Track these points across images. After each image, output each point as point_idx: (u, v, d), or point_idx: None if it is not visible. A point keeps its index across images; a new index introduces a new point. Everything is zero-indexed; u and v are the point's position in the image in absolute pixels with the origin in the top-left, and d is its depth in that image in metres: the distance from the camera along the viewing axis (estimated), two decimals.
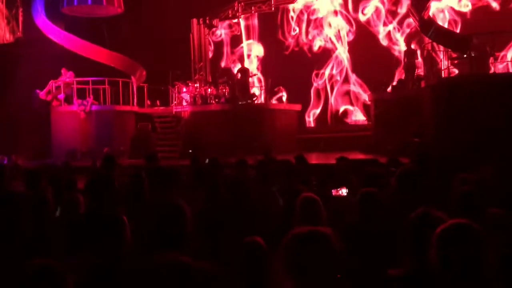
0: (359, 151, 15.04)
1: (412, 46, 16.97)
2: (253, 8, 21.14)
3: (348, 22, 19.94)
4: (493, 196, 4.53)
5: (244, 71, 18.35)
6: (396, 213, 3.72)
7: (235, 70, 20.00)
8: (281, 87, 19.16)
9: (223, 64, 21.86)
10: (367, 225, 3.86)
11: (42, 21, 18.00)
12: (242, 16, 21.50)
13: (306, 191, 4.33)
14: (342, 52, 20.05)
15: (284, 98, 19.29)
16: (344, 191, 5.14)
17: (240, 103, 17.51)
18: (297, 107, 18.94)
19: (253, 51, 21.67)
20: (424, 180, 4.42)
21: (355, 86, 19.87)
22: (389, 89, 16.56)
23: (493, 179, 5.45)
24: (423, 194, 4.19)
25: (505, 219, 3.67)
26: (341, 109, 20.09)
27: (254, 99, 18.10)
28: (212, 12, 21.61)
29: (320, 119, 20.32)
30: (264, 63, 21.33)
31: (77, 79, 17.45)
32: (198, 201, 4.96)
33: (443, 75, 14.68)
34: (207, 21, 21.90)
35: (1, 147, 16.72)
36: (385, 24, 19.34)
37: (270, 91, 18.93)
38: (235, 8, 21.41)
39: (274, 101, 19.14)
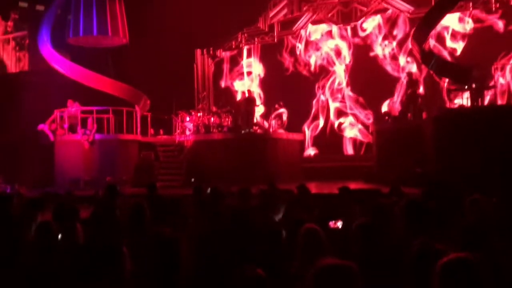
0: (362, 180, 15.07)
1: (414, 76, 17.17)
2: (256, 39, 21.40)
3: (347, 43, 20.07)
4: (497, 225, 4.53)
5: (249, 100, 18.47)
6: (402, 243, 3.72)
7: (239, 96, 20.16)
8: (281, 103, 19.25)
9: (223, 84, 21.96)
10: (369, 256, 3.86)
11: (48, 51, 18.24)
12: (245, 47, 21.74)
13: (309, 222, 4.33)
14: (341, 71, 20.15)
15: (285, 116, 19.42)
16: (340, 224, 5.13)
17: (243, 132, 17.59)
18: (300, 136, 19.01)
19: (253, 69, 21.80)
20: (430, 210, 4.43)
21: (354, 107, 19.94)
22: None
23: (497, 209, 5.45)
24: (429, 224, 4.20)
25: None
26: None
27: (256, 128, 18.19)
28: (216, 43, 21.89)
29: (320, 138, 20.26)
30: (264, 82, 21.44)
31: (82, 108, 17.59)
32: (200, 230, 4.97)
33: (445, 106, 14.81)
34: (211, 52, 22.18)
35: (4, 176, 16.80)
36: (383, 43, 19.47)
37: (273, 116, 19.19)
38: (239, 39, 21.69)
39: (273, 120, 19.21)
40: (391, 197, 7.39)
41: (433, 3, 17.32)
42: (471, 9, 17.54)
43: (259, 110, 19.72)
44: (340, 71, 20.20)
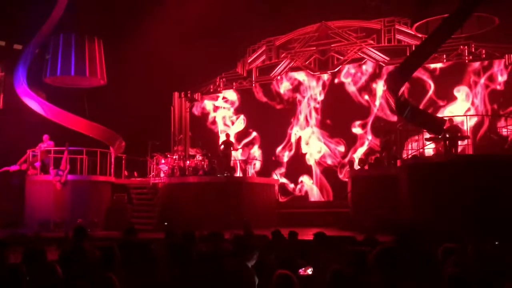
0: (338, 227, 15.03)
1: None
2: (234, 84, 21.60)
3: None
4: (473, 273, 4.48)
5: (228, 144, 18.52)
6: None
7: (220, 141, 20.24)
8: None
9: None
10: None
11: (23, 90, 18.07)
12: (223, 91, 21.90)
13: (281, 267, 4.25)
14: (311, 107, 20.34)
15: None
16: (310, 271, 5.04)
17: (218, 175, 17.51)
18: (276, 181, 18.99)
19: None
20: (403, 258, 4.37)
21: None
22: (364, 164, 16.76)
23: (473, 257, 5.42)
24: (402, 272, 4.13)
25: None
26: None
27: (233, 172, 18.14)
28: (194, 87, 22.02)
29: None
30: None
31: (55, 148, 17.33)
32: (171, 275, 4.83)
33: (419, 154, 14.99)
34: (189, 95, 22.28)
35: None
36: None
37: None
38: (217, 83, 21.86)
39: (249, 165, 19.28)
40: (365, 245, 7.35)
41: (408, 53, 17.78)
42: (445, 60, 18.01)
43: (238, 153, 19.85)
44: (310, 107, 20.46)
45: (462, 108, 17.74)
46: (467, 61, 17.85)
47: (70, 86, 19.47)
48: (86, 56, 18.65)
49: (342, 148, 19.65)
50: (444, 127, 13.86)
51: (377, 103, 19.15)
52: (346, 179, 17.42)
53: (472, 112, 17.56)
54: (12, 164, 17.53)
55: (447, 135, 13.88)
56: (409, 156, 14.89)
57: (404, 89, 16.21)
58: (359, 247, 6.63)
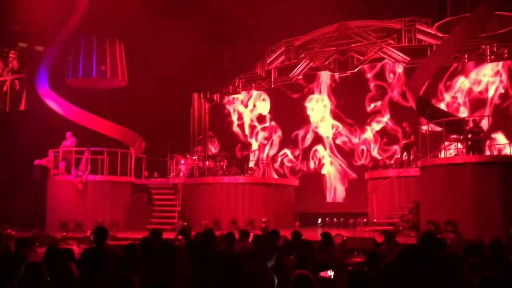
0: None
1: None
2: (253, 84, 21.61)
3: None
4: None
5: (246, 146, 18.61)
6: None
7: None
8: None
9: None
10: None
11: (45, 91, 18.30)
12: (242, 92, 21.93)
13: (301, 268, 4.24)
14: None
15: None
16: (331, 273, 5.01)
17: (237, 176, 17.56)
18: (295, 182, 18.94)
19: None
20: (425, 260, 4.34)
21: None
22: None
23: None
24: (424, 273, 4.10)
25: None
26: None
27: (252, 173, 18.16)
28: (213, 87, 22.08)
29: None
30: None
31: (77, 148, 17.51)
32: (190, 275, 4.85)
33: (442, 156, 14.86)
34: (208, 96, 22.35)
35: None
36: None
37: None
38: (236, 84, 21.90)
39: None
40: (385, 246, 7.31)
41: (428, 53, 17.62)
42: (466, 60, 17.81)
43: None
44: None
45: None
46: (488, 61, 17.63)
47: (92, 87, 19.66)
48: (107, 58, 18.84)
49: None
50: (466, 128, 13.71)
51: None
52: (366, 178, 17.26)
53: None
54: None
55: (469, 136, 13.72)
56: (430, 157, 14.74)
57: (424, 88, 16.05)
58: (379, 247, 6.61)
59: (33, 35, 18.73)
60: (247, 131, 21.65)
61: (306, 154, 20.53)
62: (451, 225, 12.10)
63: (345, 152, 19.88)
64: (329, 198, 19.90)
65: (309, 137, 20.56)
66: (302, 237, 8.00)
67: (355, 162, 19.59)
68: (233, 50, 19.37)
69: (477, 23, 13.65)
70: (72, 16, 17.95)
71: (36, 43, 19.87)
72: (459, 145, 14.66)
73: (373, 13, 19.12)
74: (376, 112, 19.41)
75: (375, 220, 15.45)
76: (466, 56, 17.73)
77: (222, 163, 18.38)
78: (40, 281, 3.82)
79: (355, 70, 19.71)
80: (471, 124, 14.19)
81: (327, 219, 18.45)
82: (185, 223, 16.38)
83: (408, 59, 18.61)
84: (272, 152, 21.10)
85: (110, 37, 18.96)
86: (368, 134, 19.36)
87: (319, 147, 20.32)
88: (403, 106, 18.50)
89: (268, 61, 21.30)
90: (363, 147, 19.48)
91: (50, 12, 17.08)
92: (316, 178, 20.08)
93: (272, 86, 21.25)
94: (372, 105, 19.48)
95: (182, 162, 18.52)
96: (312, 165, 20.39)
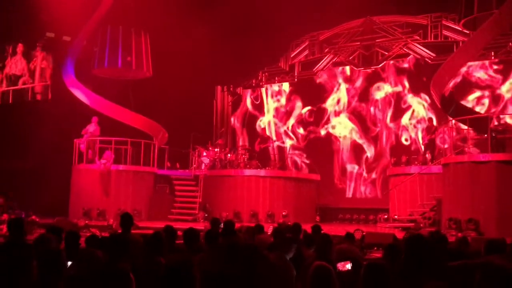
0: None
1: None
2: (276, 78, 21.61)
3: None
4: None
5: (265, 140, 18.68)
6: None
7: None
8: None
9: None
10: None
11: (71, 81, 18.56)
12: (265, 85, 21.94)
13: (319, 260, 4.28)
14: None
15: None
16: (349, 266, 5.05)
17: (259, 169, 17.62)
18: (317, 176, 18.93)
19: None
20: (434, 254, 4.34)
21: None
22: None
23: None
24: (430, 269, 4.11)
25: None
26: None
27: (273, 166, 18.20)
28: (236, 81, 22.14)
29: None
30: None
31: (101, 138, 17.75)
32: (210, 264, 4.92)
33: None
34: (231, 89, 22.42)
35: (19, 202, 16.88)
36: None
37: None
38: (259, 78, 21.92)
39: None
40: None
41: (454, 49, 17.42)
42: (492, 57, 17.58)
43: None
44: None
45: None
46: None
47: (117, 78, 19.89)
48: (133, 49, 19.04)
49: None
50: (491, 126, 13.54)
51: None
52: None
53: None
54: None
55: (493, 134, 13.54)
56: (453, 154, 14.61)
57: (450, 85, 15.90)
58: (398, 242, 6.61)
59: (61, 25, 18.97)
60: (267, 126, 21.67)
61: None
62: (472, 223, 12.02)
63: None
64: (348, 193, 19.83)
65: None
66: (322, 231, 8.04)
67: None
68: (257, 43, 19.39)
69: (505, 19, 13.45)
70: (99, 7, 18.15)
71: (63, 33, 20.14)
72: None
73: (399, 9, 18.96)
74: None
75: (396, 216, 15.41)
76: (492, 53, 17.49)
77: (244, 156, 18.47)
78: (61, 266, 3.90)
79: (379, 65, 19.58)
80: (495, 122, 14.02)
81: (348, 214, 18.44)
82: (206, 215, 16.56)
83: (434, 55, 18.42)
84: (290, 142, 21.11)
85: (136, 29, 19.14)
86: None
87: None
88: None
89: (292, 55, 21.27)
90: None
91: (78, 2, 17.31)
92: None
93: (296, 79, 21.22)
94: None
95: (204, 154, 18.66)
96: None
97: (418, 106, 18.94)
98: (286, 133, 21.28)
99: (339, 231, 11.72)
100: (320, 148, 20.24)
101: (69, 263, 4.01)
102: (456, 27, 17.57)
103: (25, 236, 5.88)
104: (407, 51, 19.08)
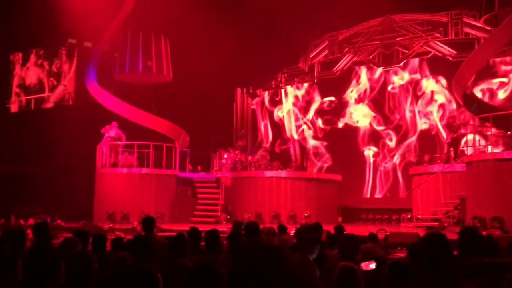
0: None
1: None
2: (296, 79, 21.59)
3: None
4: None
5: (285, 141, 18.68)
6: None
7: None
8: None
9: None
10: None
11: (93, 86, 18.81)
12: (285, 87, 21.93)
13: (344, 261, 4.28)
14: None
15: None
16: (373, 266, 5.04)
17: (280, 170, 17.63)
18: (338, 177, 18.85)
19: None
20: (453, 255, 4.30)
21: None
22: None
23: None
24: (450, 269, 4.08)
25: None
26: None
27: (293, 167, 18.19)
28: (256, 82, 22.17)
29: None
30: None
31: (123, 142, 17.95)
32: (231, 266, 4.95)
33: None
34: (251, 91, 22.47)
35: (44, 206, 17.16)
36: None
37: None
38: (279, 79, 21.93)
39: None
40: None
41: (476, 46, 17.23)
42: None
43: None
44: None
45: None
46: None
47: (138, 83, 20.08)
48: (153, 53, 19.21)
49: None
50: None
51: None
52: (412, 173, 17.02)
53: None
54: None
55: None
56: (476, 153, 14.46)
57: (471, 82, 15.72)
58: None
59: (82, 31, 19.24)
60: (287, 126, 21.65)
61: None
62: (497, 222, 11.87)
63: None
64: (367, 193, 19.68)
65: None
66: (345, 232, 8.02)
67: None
68: (276, 45, 19.39)
69: None
70: (120, 13, 18.37)
71: (85, 39, 20.42)
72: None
73: (418, 7, 18.81)
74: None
75: (419, 216, 15.28)
76: None
77: (264, 157, 18.49)
78: (89, 268, 3.97)
79: (400, 64, 19.45)
80: None
81: (370, 215, 18.33)
82: (228, 217, 16.62)
83: (455, 52, 18.23)
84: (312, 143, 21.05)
85: (156, 33, 19.31)
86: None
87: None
88: None
89: (311, 56, 21.24)
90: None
91: (99, 8, 17.53)
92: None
93: (315, 80, 21.18)
94: None
95: (225, 156, 18.74)
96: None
97: (439, 96, 18.75)
98: (305, 123, 21.20)
99: (362, 231, 11.67)
100: (341, 144, 20.09)
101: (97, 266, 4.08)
102: (477, 24, 17.37)
103: (50, 240, 6.01)
104: (428, 49, 18.92)
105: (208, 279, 2.95)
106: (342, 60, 20.56)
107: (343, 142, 20.01)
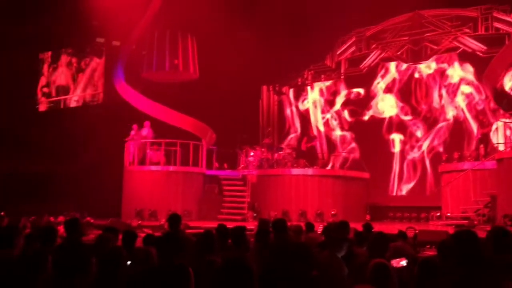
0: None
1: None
2: (322, 76, 21.46)
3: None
4: None
5: (311, 138, 18.59)
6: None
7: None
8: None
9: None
10: None
11: (121, 85, 19.00)
12: (311, 84, 21.82)
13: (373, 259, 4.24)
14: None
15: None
16: (404, 262, 4.98)
17: (306, 168, 17.56)
18: (366, 175, 18.68)
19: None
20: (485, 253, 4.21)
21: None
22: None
23: None
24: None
25: None
26: None
27: (320, 165, 18.11)
28: (282, 80, 22.12)
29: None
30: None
31: (151, 140, 18.09)
32: (259, 263, 4.94)
33: None
34: (277, 88, 22.41)
35: (74, 204, 17.41)
36: None
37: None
38: (305, 76, 21.83)
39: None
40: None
41: (506, 41, 16.92)
42: None
43: None
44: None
45: None
46: None
47: (165, 81, 20.21)
48: (180, 52, 19.32)
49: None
50: None
51: None
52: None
53: None
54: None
55: None
56: (507, 150, 14.19)
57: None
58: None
59: (110, 30, 19.44)
60: (313, 117, 21.56)
61: None
62: None
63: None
64: (394, 191, 19.46)
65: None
66: (373, 230, 7.94)
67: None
68: (302, 42, 19.33)
69: None
70: (147, 12, 18.51)
71: (113, 38, 20.65)
72: None
73: (447, 2, 18.53)
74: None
75: (449, 214, 15.06)
76: None
77: (290, 155, 18.45)
78: (120, 264, 4.00)
79: (429, 60, 19.18)
80: None
81: (399, 213, 18.12)
82: (255, 214, 16.63)
83: (485, 48, 17.91)
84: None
85: (182, 32, 19.41)
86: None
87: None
88: None
89: (338, 52, 21.09)
90: None
91: (126, 8, 17.69)
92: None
93: (342, 77, 21.03)
94: None
95: (251, 154, 18.75)
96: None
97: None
98: (332, 116, 21.09)
99: (390, 229, 11.55)
100: (367, 136, 19.90)
101: (128, 262, 4.12)
102: (508, 19, 17.06)
103: (81, 236, 6.08)
104: (457, 44, 18.63)
105: (240, 274, 2.93)
106: (370, 57, 20.36)
107: (369, 134, 19.81)
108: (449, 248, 4.43)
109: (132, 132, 18.11)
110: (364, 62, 20.48)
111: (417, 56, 19.38)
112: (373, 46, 20.32)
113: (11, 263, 4.11)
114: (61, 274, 3.46)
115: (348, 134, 20.62)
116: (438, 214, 15.65)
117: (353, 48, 20.82)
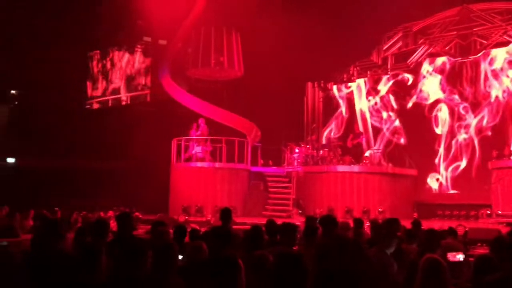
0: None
1: None
2: (368, 72, 21.21)
3: None
4: None
5: (357, 135, 18.43)
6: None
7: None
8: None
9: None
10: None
11: (168, 83, 19.29)
12: (357, 80, 21.59)
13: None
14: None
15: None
16: (460, 256, 4.92)
17: (352, 165, 17.42)
18: (414, 172, 18.37)
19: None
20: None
21: None
22: None
23: None
24: None
25: None
26: None
27: (367, 162, 17.93)
28: (327, 76, 21.96)
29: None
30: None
31: (196, 137, 18.31)
32: (308, 259, 4.95)
33: None
34: (322, 85, 22.28)
35: (122, 200, 17.81)
36: None
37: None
38: (350, 72, 21.61)
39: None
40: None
41: None
42: None
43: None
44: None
45: None
46: None
47: (210, 78, 20.41)
48: (225, 49, 19.47)
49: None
50: None
51: None
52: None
53: None
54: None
55: None
56: None
57: None
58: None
59: (157, 29, 19.76)
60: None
61: None
62: None
63: None
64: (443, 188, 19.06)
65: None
66: (422, 227, 7.85)
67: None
68: (348, 37, 19.12)
69: None
70: (193, 10, 18.73)
71: (159, 37, 20.98)
72: None
73: None
74: None
75: (499, 212, 14.69)
76: None
77: (336, 152, 18.34)
78: (174, 257, 4.09)
79: (478, 55, 18.69)
80: None
81: (447, 211, 17.76)
82: (300, 211, 16.62)
83: None
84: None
85: (227, 28, 19.55)
86: None
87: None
88: None
89: (384, 48, 20.79)
90: None
91: (172, 7, 17.95)
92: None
93: (389, 73, 20.73)
94: None
95: (296, 150, 18.73)
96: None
97: None
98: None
99: (439, 227, 11.36)
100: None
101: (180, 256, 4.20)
102: None
103: (133, 230, 6.23)
104: (508, 39, 18.09)
105: (296, 269, 2.96)
106: (417, 52, 19.97)
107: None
108: (504, 245, 4.35)
109: (192, 131, 18.32)
110: (411, 57, 20.10)
111: (466, 51, 18.91)
112: (421, 41, 19.93)
113: (64, 255, 4.25)
114: (119, 267, 3.56)
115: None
116: (488, 212, 15.29)
117: (399, 44, 20.45)
